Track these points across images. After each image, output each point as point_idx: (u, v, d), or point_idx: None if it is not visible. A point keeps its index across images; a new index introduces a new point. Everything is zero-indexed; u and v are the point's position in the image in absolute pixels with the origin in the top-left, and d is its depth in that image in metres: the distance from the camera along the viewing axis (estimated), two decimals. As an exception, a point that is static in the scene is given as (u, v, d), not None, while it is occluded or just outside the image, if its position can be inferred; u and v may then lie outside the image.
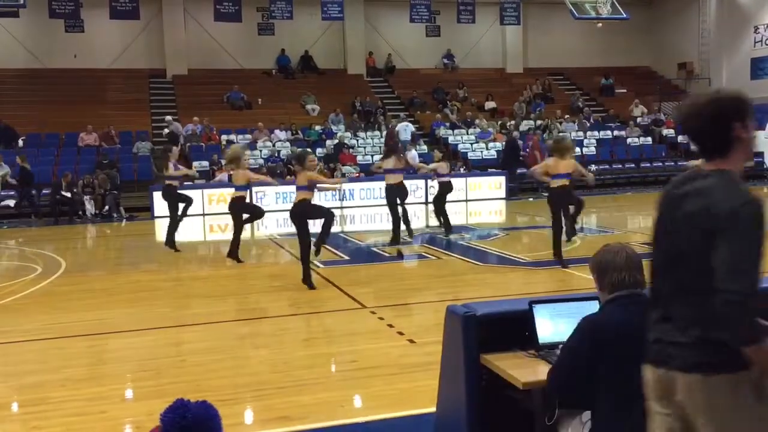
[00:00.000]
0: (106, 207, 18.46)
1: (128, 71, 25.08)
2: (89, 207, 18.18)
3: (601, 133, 25.13)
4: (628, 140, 24.94)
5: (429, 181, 19.80)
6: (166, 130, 22.21)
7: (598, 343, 2.73)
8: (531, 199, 20.20)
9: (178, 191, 12.18)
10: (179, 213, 12.10)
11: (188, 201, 12.17)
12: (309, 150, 8.23)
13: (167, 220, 12.21)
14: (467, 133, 24.34)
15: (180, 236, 12.53)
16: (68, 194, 18.09)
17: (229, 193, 18.36)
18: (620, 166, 23.38)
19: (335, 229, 10.40)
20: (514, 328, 3.47)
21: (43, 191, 18.82)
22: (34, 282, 9.89)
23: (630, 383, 2.66)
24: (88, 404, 5.06)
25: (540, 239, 11.95)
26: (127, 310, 8.15)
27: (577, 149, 23.67)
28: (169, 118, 22.75)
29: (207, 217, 17.90)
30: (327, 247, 11.41)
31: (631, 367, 2.69)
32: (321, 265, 10.23)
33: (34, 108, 22.70)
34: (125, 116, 23.03)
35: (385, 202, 12.48)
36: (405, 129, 23.08)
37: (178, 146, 21.29)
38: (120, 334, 7.09)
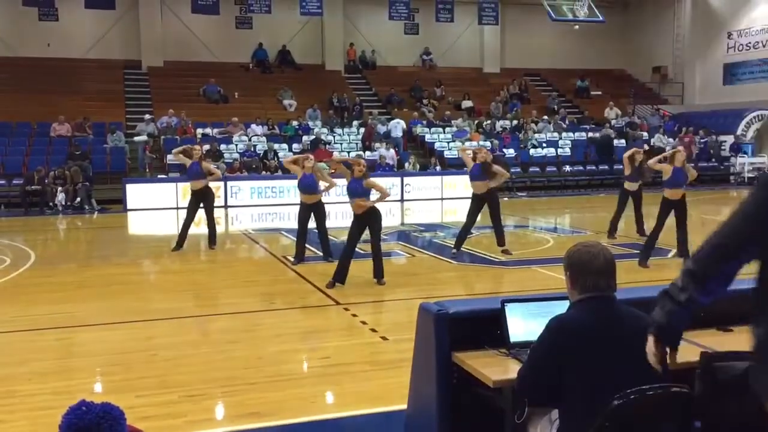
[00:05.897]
0: (78, 199, 18.21)
1: (103, 62, 24.74)
2: (60, 198, 17.91)
3: (576, 134, 25.35)
4: (603, 142, 25.15)
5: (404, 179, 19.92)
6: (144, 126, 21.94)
7: (565, 343, 2.74)
8: (506, 199, 20.30)
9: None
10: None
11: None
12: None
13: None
14: (444, 132, 24.41)
15: (154, 230, 12.40)
16: (39, 187, 17.82)
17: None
18: (594, 167, 23.60)
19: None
20: (486, 327, 3.49)
21: (14, 181, 18.53)
22: (2, 273, 9.74)
23: (597, 383, 2.68)
24: (55, 398, 4.98)
25: (513, 238, 12.01)
26: (97, 303, 8.06)
27: (552, 150, 23.95)
28: (148, 116, 22.40)
29: (180, 210, 17.73)
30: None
31: (598, 367, 2.71)
32: (293, 259, 10.21)
33: (6, 97, 22.26)
34: (99, 107, 22.68)
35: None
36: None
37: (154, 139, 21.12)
38: (89, 327, 7.01)
